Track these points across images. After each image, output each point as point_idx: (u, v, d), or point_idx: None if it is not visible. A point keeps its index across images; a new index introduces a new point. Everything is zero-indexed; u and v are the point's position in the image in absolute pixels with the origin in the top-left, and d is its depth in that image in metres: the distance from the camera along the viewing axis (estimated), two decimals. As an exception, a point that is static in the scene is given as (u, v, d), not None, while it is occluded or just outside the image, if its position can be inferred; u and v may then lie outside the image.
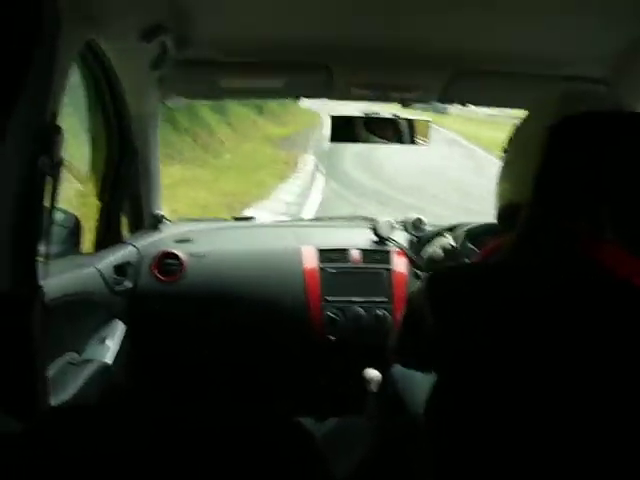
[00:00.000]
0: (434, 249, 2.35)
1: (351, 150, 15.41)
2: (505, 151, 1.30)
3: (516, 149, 1.25)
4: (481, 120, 23.57)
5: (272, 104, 19.66)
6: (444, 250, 2.28)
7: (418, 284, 1.24)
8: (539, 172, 1.08)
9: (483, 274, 1.11)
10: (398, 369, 2.26)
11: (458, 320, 1.05)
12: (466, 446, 1.02)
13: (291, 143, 16.85)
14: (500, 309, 1.01)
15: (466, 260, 2.20)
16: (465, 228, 2.41)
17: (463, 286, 1.09)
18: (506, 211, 1.23)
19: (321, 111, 20.69)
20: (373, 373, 2.13)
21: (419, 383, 2.09)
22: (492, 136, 16.49)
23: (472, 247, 2.25)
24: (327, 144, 15.17)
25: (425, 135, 2.58)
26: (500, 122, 16.61)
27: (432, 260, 2.34)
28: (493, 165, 1.56)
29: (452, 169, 14.62)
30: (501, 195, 1.28)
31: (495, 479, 0.98)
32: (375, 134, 2.54)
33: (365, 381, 2.15)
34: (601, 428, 0.93)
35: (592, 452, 0.93)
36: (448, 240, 2.30)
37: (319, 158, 14.80)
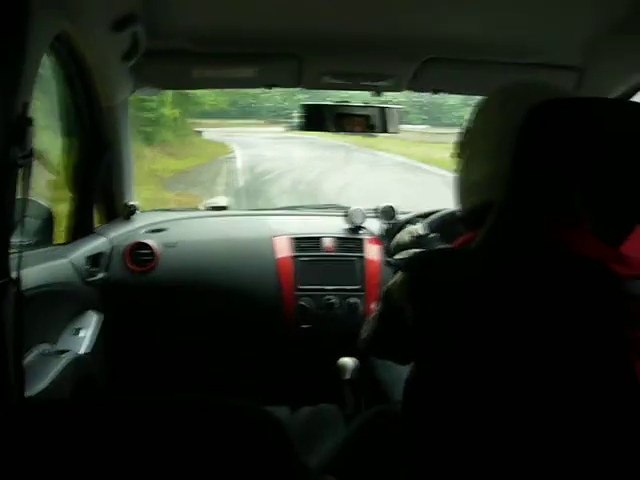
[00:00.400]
0: (401, 235, 2.37)
1: (283, 184, 13.10)
2: (461, 147, 1.30)
3: (479, 142, 1.24)
4: (418, 141, 18.93)
5: (167, 132, 15.89)
6: (410, 236, 2.30)
7: (394, 278, 1.25)
8: (513, 159, 1.08)
9: (455, 258, 1.13)
10: (377, 361, 2.28)
11: (434, 303, 1.07)
12: (445, 431, 1.03)
13: (189, 181, 13.44)
14: (469, 290, 1.03)
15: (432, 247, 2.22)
16: (437, 215, 2.43)
17: (438, 270, 1.11)
18: (475, 211, 1.22)
19: (232, 142, 18.86)
20: (348, 361, 2.15)
21: (398, 370, 2.12)
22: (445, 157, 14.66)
23: (437, 234, 2.28)
24: (243, 179, 13.17)
25: (396, 123, 2.59)
26: (445, 141, 13.26)
27: (398, 246, 2.36)
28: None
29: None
30: (467, 192, 1.28)
31: (476, 465, 1.00)
32: (346, 123, 2.55)
33: (339, 369, 2.17)
34: (573, 405, 0.95)
35: (566, 431, 0.95)
36: (416, 227, 2.32)
37: (231, 201, 12.42)
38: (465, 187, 1.28)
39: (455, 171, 1.32)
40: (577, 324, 0.96)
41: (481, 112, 1.27)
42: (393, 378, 2.09)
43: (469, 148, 1.27)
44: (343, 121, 2.54)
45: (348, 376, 2.14)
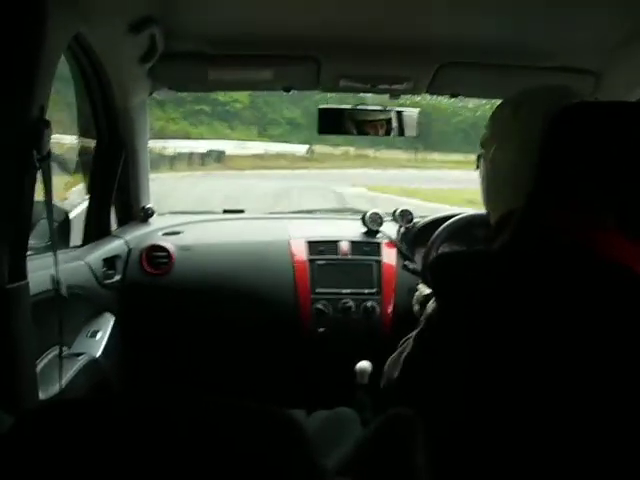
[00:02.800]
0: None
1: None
2: (484, 153, 1.31)
3: (499, 145, 1.26)
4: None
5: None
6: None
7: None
8: (539, 162, 1.08)
9: (483, 260, 1.12)
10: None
11: (455, 306, 1.06)
12: (464, 435, 1.02)
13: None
14: (497, 296, 1.02)
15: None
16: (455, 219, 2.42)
17: (464, 271, 1.10)
18: (504, 219, 1.23)
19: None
20: (364, 365, 2.13)
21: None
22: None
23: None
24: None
25: (414, 127, 2.58)
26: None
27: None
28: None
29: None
30: (494, 201, 1.30)
31: (498, 469, 0.99)
32: (363, 126, 2.54)
33: (356, 373, 2.15)
34: (598, 410, 0.94)
35: (587, 435, 0.94)
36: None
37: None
38: (490, 191, 1.31)
39: (480, 174, 1.33)
40: (608, 333, 0.95)
41: (499, 116, 1.27)
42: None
43: (490, 153, 1.26)
44: (361, 124, 2.53)
45: (366, 381, 2.12)
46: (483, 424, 1.00)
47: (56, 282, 1.51)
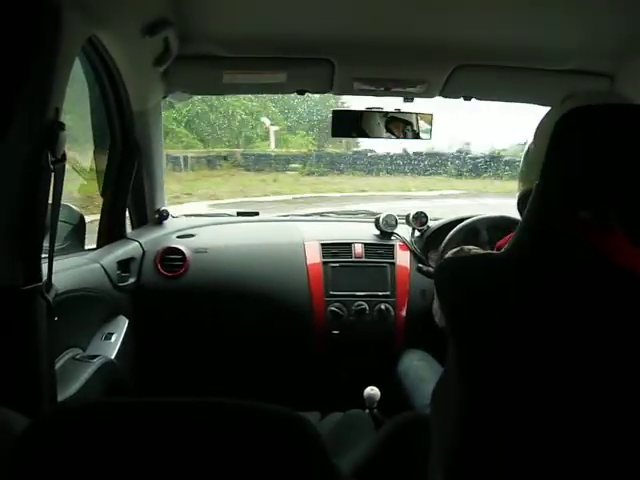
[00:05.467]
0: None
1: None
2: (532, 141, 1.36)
3: (535, 140, 1.33)
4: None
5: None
6: None
7: None
8: (545, 163, 1.08)
9: (490, 265, 1.12)
10: (404, 366, 2.27)
11: (469, 313, 1.06)
12: (473, 436, 1.02)
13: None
14: (507, 302, 1.02)
15: None
16: (468, 221, 2.42)
17: (472, 279, 1.10)
18: (524, 195, 1.26)
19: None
20: (372, 392, 2.13)
21: (425, 378, 2.10)
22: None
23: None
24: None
25: (428, 130, 2.57)
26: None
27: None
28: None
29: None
30: (521, 181, 1.36)
31: (510, 470, 0.98)
32: (378, 129, 2.54)
33: (365, 400, 2.15)
34: (607, 415, 0.93)
35: (597, 438, 0.93)
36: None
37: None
38: (523, 172, 1.37)
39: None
40: (604, 335, 0.95)
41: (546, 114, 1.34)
42: (420, 386, 2.08)
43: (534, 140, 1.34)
44: (374, 127, 2.52)
45: (374, 405, 2.13)
46: (495, 427, 1.00)
47: (47, 286, 1.50)
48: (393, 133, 2.55)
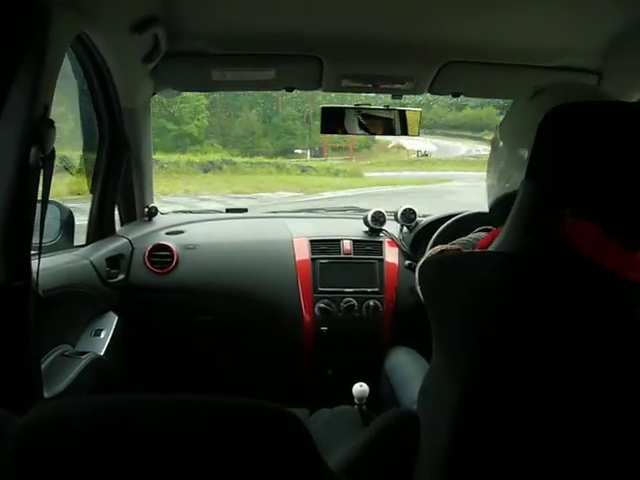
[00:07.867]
0: None
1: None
2: (493, 142, 1.32)
3: (506, 139, 1.27)
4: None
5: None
6: None
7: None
8: (530, 158, 1.08)
9: (476, 263, 1.13)
10: (392, 363, 2.27)
11: (452, 308, 1.06)
12: (464, 432, 1.03)
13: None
14: (490, 297, 1.02)
15: None
16: (457, 218, 2.43)
17: (454, 274, 1.11)
18: (499, 201, 1.25)
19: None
20: (361, 388, 2.13)
21: (413, 375, 2.10)
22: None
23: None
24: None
25: (416, 126, 2.59)
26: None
27: None
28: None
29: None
30: (499, 180, 1.31)
31: (497, 468, 0.99)
32: (366, 125, 2.55)
33: (354, 396, 2.15)
34: (596, 408, 0.94)
35: (587, 433, 0.94)
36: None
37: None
38: (493, 177, 1.32)
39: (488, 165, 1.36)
40: (588, 334, 0.96)
41: (513, 108, 1.32)
42: (408, 383, 2.09)
43: (500, 144, 1.30)
44: (364, 123, 2.53)
45: (364, 402, 2.13)
46: (487, 424, 1.01)
47: (36, 282, 1.51)
48: (381, 129, 2.57)
